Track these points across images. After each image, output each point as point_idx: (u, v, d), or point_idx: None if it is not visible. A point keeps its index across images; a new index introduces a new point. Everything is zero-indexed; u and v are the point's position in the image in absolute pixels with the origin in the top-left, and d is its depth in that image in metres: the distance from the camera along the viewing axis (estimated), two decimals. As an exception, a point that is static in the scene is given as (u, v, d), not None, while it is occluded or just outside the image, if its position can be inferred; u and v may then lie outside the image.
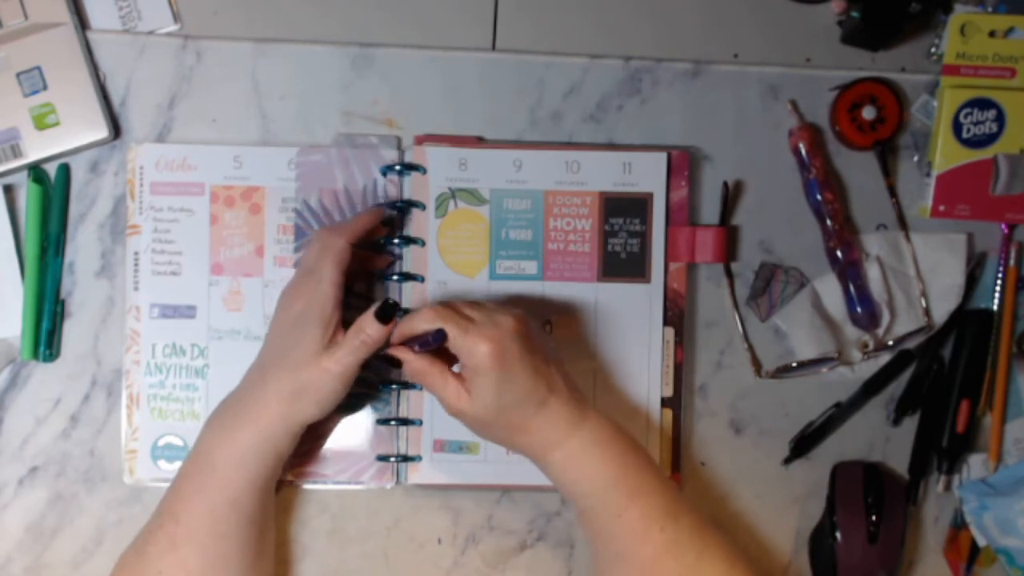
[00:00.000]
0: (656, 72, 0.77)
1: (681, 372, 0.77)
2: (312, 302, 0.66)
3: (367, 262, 0.74)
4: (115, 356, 0.75)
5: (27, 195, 0.73)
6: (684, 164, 0.77)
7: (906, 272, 0.78)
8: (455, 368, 0.68)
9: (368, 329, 0.66)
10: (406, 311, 0.75)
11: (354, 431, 0.75)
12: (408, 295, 0.75)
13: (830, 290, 0.78)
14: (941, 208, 0.77)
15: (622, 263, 0.76)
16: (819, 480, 0.78)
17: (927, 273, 0.78)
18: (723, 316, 0.78)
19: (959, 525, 0.79)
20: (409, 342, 0.67)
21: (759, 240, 0.78)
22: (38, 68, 0.72)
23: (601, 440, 0.67)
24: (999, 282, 0.79)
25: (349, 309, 0.67)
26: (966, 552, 0.79)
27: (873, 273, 0.77)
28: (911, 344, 0.79)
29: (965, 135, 0.77)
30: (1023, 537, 0.76)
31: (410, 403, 0.75)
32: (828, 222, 0.77)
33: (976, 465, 0.79)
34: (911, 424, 0.79)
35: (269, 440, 0.66)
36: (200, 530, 0.65)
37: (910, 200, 0.79)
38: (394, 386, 0.75)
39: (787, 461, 0.78)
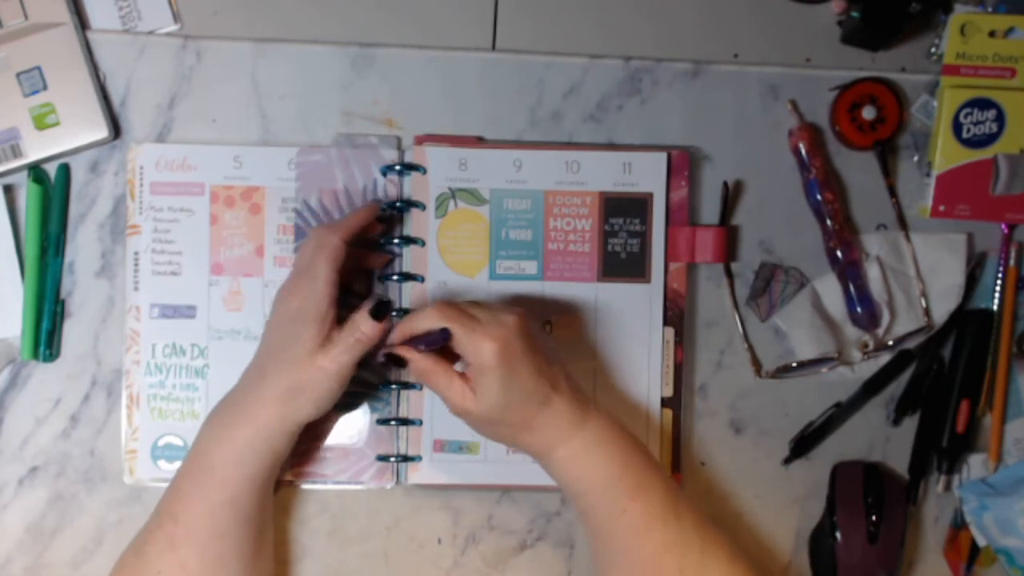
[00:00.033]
0: (656, 72, 0.77)
1: (681, 372, 0.77)
2: (307, 300, 0.66)
3: (364, 260, 0.74)
4: (115, 356, 0.75)
5: (27, 195, 0.73)
6: (684, 164, 0.77)
7: (906, 272, 0.78)
8: (456, 367, 0.67)
9: (363, 327, 0.66)
10: (406, 311, 0.75)
11: (354, 431, 0.75)
12: (408, 295, 0.75)
13: (830, 290, 0.78)
14: (941, 208, 0.77)
15: (622, 263, 0.76)
16: (819, 480, 0.78)
17: (927, 273, 0.78)
18: (723, 316, 0.78)
19: (959, 525, 0.79)
20: (412, 341, 0.67)
21: (759, 240, 0.78)
22: (38, 68, 0.72)
23: (604, 438, 0.67)
24: (999, 282, 0.79)
25: (348, 308, 0.67)
26: (966, 552, 0.79)
27: (873, 273, 0.77)
28: (911, 344, 0.79)
29: (965, 135, 0.77)
30: (1023, 537, 0.76)
31: (410, 403, 0.75)
32: (828, 222, 0.77)
33: (976, 465, 0.79)
34: (911, 424, 0.79)
35: (267, 439, 0.66)
36: (199, 530, 0.65)
37: (910, 200, 0.79)
38: (394, 386, 0.75)
39: (787, 461, 0.78)
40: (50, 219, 0.74)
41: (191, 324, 0.74)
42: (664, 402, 0.76)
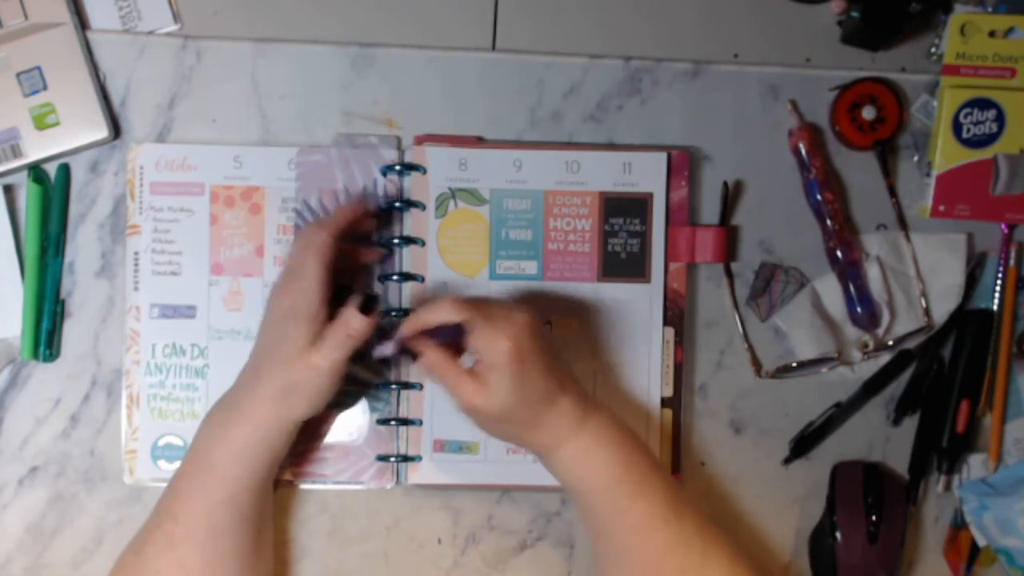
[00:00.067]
0: (656, 72, 0.77)
1: (681, 372, 0.77)
2: (298, 299, 0.66)
3: (358, 255, 0.74)
4: (115, 356, 0.75)
5: (27, 195, 0.73)
6: (684, 164, 0.77)
7: (906, 272, 0.78)
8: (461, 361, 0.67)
9: (352, 322, 0.65)
10: (406, 311, 0.75)
11: (354, 431, 0.75)
12: (408, 295, 0.75)
13: (830, 290, 0.78)
14: (941, 208, 0.77)
15: (622, 263, 0.76)
16: (819, 480, 0.78)
17: (927, 273, 0.78)
18: (723, 316, 0.78)
19: (959, 525, 0.79)
20: (424, 334, 0.66)
21: (759, 240, 0.78)
22: (38, 68, 0.72)
23: (606, 437, 0.67)
24: (999, 282, 0.79)
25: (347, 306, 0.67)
26: (966, 552, 0.79)
27: (873, 273, 0.77)
28: (911, 344, 0.79)
29: (965, 135, 0.77)
30: (1023, 537, 0.76)
31: (410, 403, 0.75)
32: (828, 222, 0.77)
33: (976, 465, 0.79)
34: (911, 424, 0.79)
35: (264, 438, 0.66)
36: (198, 529, 0.65)
37: (910, 200, 0.79)
38: (394, 386, 0.75)
39: (787, 461, 0.78)
40: (50, 219, 0.74)
41: (191, 324, 0.74)
42: (664, 402, 0.76)
